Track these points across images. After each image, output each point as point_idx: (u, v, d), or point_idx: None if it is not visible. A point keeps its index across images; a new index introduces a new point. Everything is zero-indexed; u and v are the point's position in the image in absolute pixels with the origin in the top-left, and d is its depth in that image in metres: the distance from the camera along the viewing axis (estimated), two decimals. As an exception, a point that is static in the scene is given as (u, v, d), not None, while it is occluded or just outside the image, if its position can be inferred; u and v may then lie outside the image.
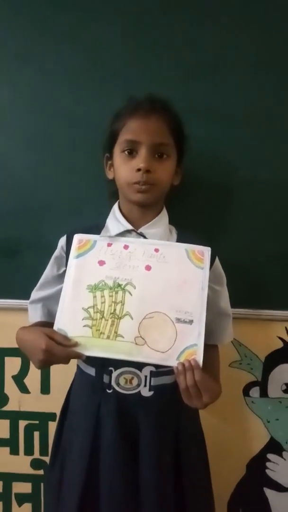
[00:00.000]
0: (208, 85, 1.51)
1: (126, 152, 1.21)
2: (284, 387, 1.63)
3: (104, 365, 1.22)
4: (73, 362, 1.27)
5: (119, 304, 1.12)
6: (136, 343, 1.09)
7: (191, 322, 1.10)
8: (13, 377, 1.71)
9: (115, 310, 1.11)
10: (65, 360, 1.11)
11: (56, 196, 1.58)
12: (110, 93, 1.51)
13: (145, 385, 1.21)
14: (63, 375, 1.58)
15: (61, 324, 1.13)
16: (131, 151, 1.21)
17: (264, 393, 1.64)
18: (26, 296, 1.48)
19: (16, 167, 1.59)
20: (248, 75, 1.51)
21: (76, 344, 1.09)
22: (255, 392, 1.65)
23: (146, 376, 1.21)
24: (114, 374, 1.21)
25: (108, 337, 1.10)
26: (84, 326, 1.11)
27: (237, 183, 1.54)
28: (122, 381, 1.21)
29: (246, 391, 1.65)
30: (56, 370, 1.66)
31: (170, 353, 1.09)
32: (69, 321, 1.13)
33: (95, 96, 1.53)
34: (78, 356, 1.10)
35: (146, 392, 1.22)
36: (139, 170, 1.17)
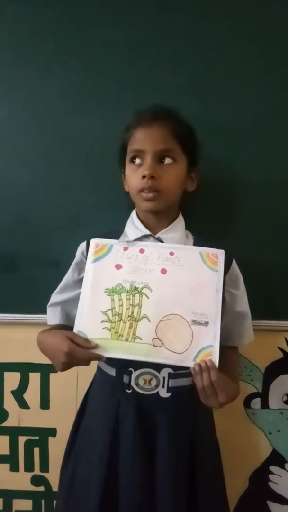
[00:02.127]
0: (211, 97, 1.54)
1: (133, 162, 1.26)
2: (285, 398, 1.64)
3: (124, 365, 1.24)
4: (90, 367, 1.26)
5: (137, 307, 1.14)
6: (153, 345, 1.12)
7: (206, 323, 1.13)
8: (13, 392, 1.69)
9: (132, 312, 1.14)
10: (86, 362, 1.14)
11: (54, 210, 1.59)
12: (108, 108, 1.54)
13: (163, 386, 1.24)
14: (62, 390, 1.58)
15: (80, 327, 1.15)
16: (137, 160, 1.24)
17: (265, 405, 1.65)
18: (26, 310, 1.49)
19: (14, 182, 1.59)
20: (249, 86, 1.53)
21: (96, 346, 1.12)
22: (256, 403, 1.65)
23: (164, 378, 1.23)
24: (134, 374, 1.23)
25: (126, 339, 1.12)
26: (103, 328, 1.14)
27: (244, 194, 1.56)
28: (141, 381, 1.24)
29: (247, 402, 1.65)
30: (55, 385, 1.67)
31: (186, 354, 1.11)
32: (89, 324, 1.15)
33: (93, 111, 1.55)
34: (99, 358, 1.12)
35: (164, 393, 1.24)
36: (144, 177, 1.20)
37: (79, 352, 1.10)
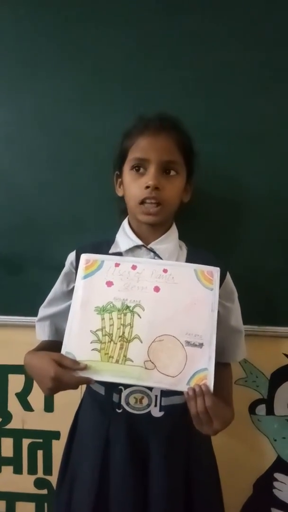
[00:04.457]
0: (214, 101, 1.51)
1: (135, 170, 1.21)
2: (291, 405, 1.61)
3: (113, 384, 1.19)
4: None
5: (128, 327, 1.09)
6: (145, 367, 1.07)
7: (201, 345, 1.08)
8: (17, 394, 1.70)
9: (123, 333, 1.09)
10: (74, 387, 1.09)
11: (61, 213, 1.58)
12: (114, 111, 1.52)
13: (155, 405, 1.20)
14: (67, 393, 1.55)
15: (69, 347, 1.11)
16: (140, 169, 1.20)
17: (270, 411, 1.63)
18: (30, 313, 1.47)
19: (21, 184, 1.59)
20: (252, 92, 1.51)
21: (85, 367, 1.07)
22: (261, 410, 1.63)
23: (156, 396, 1.20)
24: (124, 393, 1.20)
25: (117, 361, 1.07)
26: (93, 349, 1.09)
27: (242, 200, 1.54)
28: (132, 400, 1.20)
29: (252, 409, 1.63)
30: (59, 387, 1.67)
31: (180, 377, 1.06)
32: (77, 345, 1.10)
33: (100, 113, 1.54)
34: (88, 381, 1.08)
35: (156, 412, 1.20)
36: (147, 187, 1.16)
37: (66, 376, 1.05)
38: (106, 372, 1.07)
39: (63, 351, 1.11)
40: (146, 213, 1.19)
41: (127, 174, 1.23)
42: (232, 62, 1.50)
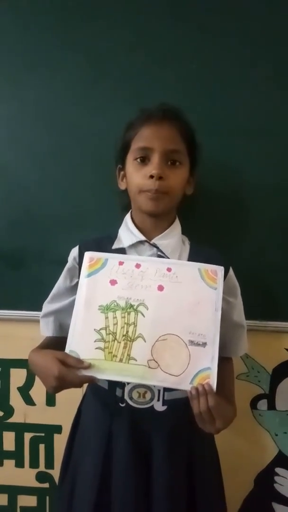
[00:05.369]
0: (215, 96, 1.51)
1: (138, 160, 1.20)
2: (293, 400, 1.61)
3: None
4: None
5: (132, 326, 1.09)
6: (149, 367, 1.06)
7: (204, 344, 1.08)
8: (19, 388, 1.70)
9: (127, 332, 1.08)
10: (78, 385, 1.09)
11: (63, 207, 1.58)
12: (117, 106, 1.51)
13: (158, 399, 1.20)
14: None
15: (72, 346, 1.10)
16: (144, 159, 1.19)
17: (271, 406, 1.63)
18: (32, 307, 1.48)
19: (23, 179, 1.59)
20: (255, 87, 1.50)
21: (89, 366, 1.07)
22: (262, 404, 1.63)
23: (159, 390, 1.20)
24: (127, 387, 1.20)
25: (120, 360, 1.07)
26: (96, 348, 1.08)
27: (244, 195, 1.54)
28: (135, 394, 1.20)
29: (253, 403, 1.64)
30: (61, 381, 1.66)
31: (183, 376, 1.06)
32: (81, 343, 1.10)
33: (102, 108, 1.53)
34: (91, 380, 1.07)
35: (159, 407, 1.20)
36: (151, 177, 1.15)
37: (70, 375, 1.05)
38: (110, 371, 1.07)
39: (67, 350, 1.10)
40: (150, 198, 1.18)
41: (130, 164, 1.23)
42: (234, 56, 1.50)
